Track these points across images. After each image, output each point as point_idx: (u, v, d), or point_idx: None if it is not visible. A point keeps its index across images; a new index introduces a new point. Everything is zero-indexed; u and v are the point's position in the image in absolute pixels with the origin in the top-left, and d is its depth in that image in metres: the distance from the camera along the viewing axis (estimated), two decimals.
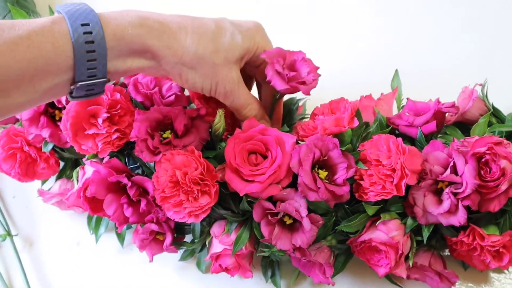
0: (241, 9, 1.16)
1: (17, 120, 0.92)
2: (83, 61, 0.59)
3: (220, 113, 0.74)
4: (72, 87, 0.61)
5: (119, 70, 0.64)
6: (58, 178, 0.91)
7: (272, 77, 0.72)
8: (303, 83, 0.73)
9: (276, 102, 0.80)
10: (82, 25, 0.59)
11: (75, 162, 0.90)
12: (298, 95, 0.86)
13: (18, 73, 0.56)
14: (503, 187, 0.68)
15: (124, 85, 0.84)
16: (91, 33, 0.59)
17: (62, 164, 0.91)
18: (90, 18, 0.60)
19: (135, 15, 0.63)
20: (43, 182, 0.94)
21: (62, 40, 0.58)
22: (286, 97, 0.86)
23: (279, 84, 0.72)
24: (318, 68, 0.75)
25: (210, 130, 0.77)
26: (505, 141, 0.70)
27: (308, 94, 0.73)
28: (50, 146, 0.84)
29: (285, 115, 0.85)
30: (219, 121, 0.75)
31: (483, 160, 0.69)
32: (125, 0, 1.07)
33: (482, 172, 0.69)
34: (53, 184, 0.91)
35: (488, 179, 0.68)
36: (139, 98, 0.80)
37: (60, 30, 0.58)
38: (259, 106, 0.77)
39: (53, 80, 0.59)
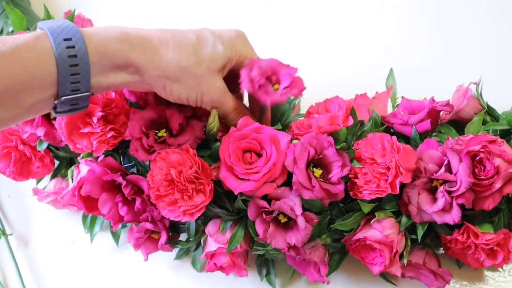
0: (244, 14, 1.17)
1: None
2: (67, 75, 0.59)
3: (214, 113, 0.74)
4: (56, 102, 0.61)
5: (102, 85, 0.64)
6: (53, 177, 0.91)
7: (243, 79, 0.73)
8: (268, 93, 0.73)
9: (264, 108, 0.80)
10: (65, 39, 0.59)
11: (70, 161, 0.90)
12: None
13: (2, 90, 0.56)
14: (497, 185, 0.68)
15: None
16: (73, 47, 0.60)
17: (57, 163, 0.91)
18: (73, 33, 0.60)
19: (117, 31, 0.64)
20: (38, 181, 0.94)
21: (46, 56, 0.58)
22: None
23: (245, 87, 0.73)
24: (302, 88, 0.74)
25: (204, 129, 0.77)
26: (499, 140, 0.70)
27: (268, 104, 0.72)
28: (45, 145, 0.84)
29: (279, 114, 0.85)
30: (213, 121, 0.75)
31: (477, 158, 0.70)
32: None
33: (476, 171, 0.69)
34: (48, 183, 0.91)
35: (482, 177, 0.69)
36: (133, 99, 0.80)
37: (43, 45, 0.59)
38: (245, 110, 0.78)
39: (37, 96, 0.59)
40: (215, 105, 0.73)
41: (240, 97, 0.80)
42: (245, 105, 0.79)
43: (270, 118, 0.83)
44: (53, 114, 0.64)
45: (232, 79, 0.76)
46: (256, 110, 0.80)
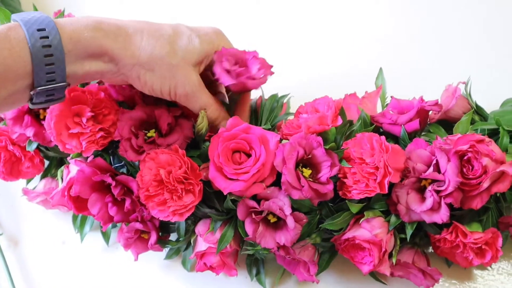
0: (234, 12, 1.17)
1: (1, 119, 0.91)
2: (42, 65, 0.59)
3: (202, 114, 0.74)
4: (32, 92, 0.61)
5: (77, 74, 0.64)
6: (43, 177, 0.91)
7: (220, 74, 0.73)
8: (252, 78, 0.74)
9: (236, 102, 0.80)
10: (38, 30, 0.59)
11: (60, 161, 0.90)
12: (280, 91, 0.87)
13: None
14: (485, 184, 0.68)
15: None
16: (47, 37, 0.59)
17: (47, 163, 0.91)
18: (46, 23, 0.60)
19: (91, 20, 0.64)
20: (28, 181, 0.94)
21: (19, 46, 0.58)
22: (268, 94, 0.87)
23: (226, 80, 0.74)
24: (271, 66, 0.76)
25: (193, 129, 0.77)
26: (487, 139, 0.70)
27: (257, 88, 0.74)
28: (34, 145, 0.84)
29: (268, 113, 0.85)
30: (201, 121, 0.75)
31: (465, 158, 0.70)
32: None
33: (464, 170, 0.70)
34: (38, 183, 0.90)
35: (471, 176, 0.69)
36: (121, 98, 0.80)
37: (16, 36, 0.58)
38: (220, 107, 0.78)
39: (12, 87, 0.59)
40: (189, 99, 0.73)
41: (220, 101, 0.80)
42: (220, 103, 0.79)
43: (247, 112, 0.83)
44: (30, 106, 0.64)
45: (211, 80, 0.77)
46: (240, 111, 0.81)
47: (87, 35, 0.63)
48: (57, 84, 0.62)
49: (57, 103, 0.66)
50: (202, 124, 0.75)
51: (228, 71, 0.74)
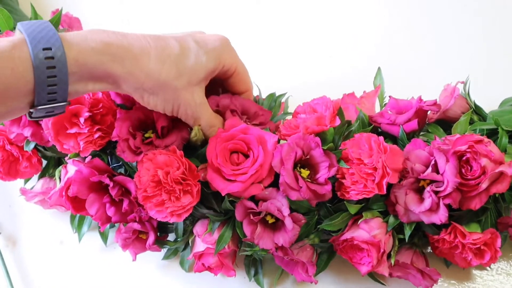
0: (234, 15, 1.16)
1: None
2: (44, 86, 0.58)
3: (196, 129, 0.74)
4: (32, 110, 0.60)
5: (79, 92, 0.63)
6: (40, 176, 0.91)
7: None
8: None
9: None
10: (44, 49, 0.58)
11: (58, 160, 0.90)
12: (278, 91, 0.88)
13: None
14: (484, 185, 0.68)
15: None
16: (53, 58, 0.58)
17: (45, 162, 0.91)
18: (53, 42, 0.59)
19: (99, 40, 0.62)
20: (26, 181, 0.94)
21: (23, 66, 0.57)
22: (265, 93, 0.87)
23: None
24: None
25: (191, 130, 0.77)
26: (486, 139, 0.70)
27: None
28: (32, 145, 0.84)
29: None
30: (195, 135, 0.75)
31: (464, 158, 0.70)
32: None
33: (463, 170, 0.70)
34: (35, 183, 0.90)
35: (469, 177, 0.69)
36: (118, 100, 0.80)
37: (20, 55, 0.57)
38: (222, 124, 0.77)
39: (11, 104, 0.58)
40: (190, 119, 0.73)
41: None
42: (222, 120, 0.78)
43: None
44: (28, 118, 0.63)
45: (215, 86, 0.77)
46: None
47: (94, 59, 0.61)
48: (58, 104, 0.61)
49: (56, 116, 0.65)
50: (196, 137, 0.75)
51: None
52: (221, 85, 0.80)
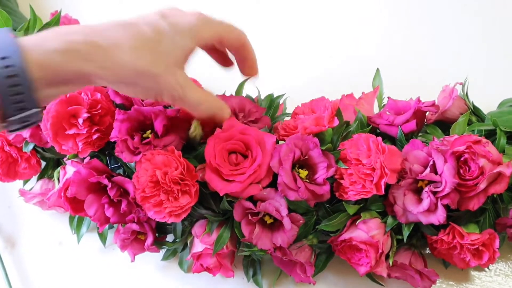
0: (237, 11, 1.17)
1: None
2: (6, 96, 0.55)
3: (195, 124, 0.75)
4: (3, 124, 0.57)
5: (52, 96, 0.61)
6: (39, 178, 0.91)
7: None
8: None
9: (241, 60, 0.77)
10: (2, 58, 0.55)
11: (56, 162, 0.91)
12: (277, 92, 0.88)
13: None
14: (482, 185, 0.69)
15: None
16: (13, 66, 0.55)
17: (43, 164, 0.91)
18: (11, 50, 0.55)
19: (62, 39, 0.59)
20: (25, 182, 0.94)
21: None
22: (264, 94, 0.88)
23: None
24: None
25: (189, 131, 0.77)
26: (484, 140, 0.71)
27: None
28: (30, 146, 0.84)
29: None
30: (194, 130, 0.75)
31: (462, 159, 0.70)
32: None
33: (461, 171, 0.70)
34: (34, 184, 0.91)
35: (467, 177, 0.69)
36: (118, 100, 0.80)
37: None
38: (213, 99, 0.74)
39: None
40: (178, 102, 0.70)
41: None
42: (212, 94, 0.76)
43: (253, 57, 0.78)
44: (8, 133, 0.60)
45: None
46: (246, 66, 0.77)
47: (58, 60, 0.58)
48: (29, 112, 0.58)
49: (35, 125, 0.62)
50: (195, 132, 0.75)
51: None
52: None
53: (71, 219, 0.91)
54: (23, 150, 0.84)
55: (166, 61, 0.66)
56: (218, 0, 1.18)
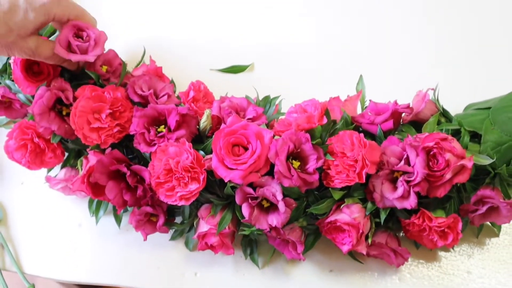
0: (237, 11, 1.15)
1: (26, 114, 0.96)
2: None
3: (207, 113, 0.79)
4: None
5: None
6: (62, 166, 0.93)
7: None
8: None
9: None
10: None
11: (78, 152, 0.92)
12: (272, 94, 0.90)
13: None
14: (448, 176, 0.72)
15: (125, 84, 0.88)
16: None
17: (66, 154, 0.93)
18: None
19: None
20: (49, 170, 0.96)
21: None
22: (262, 95, 0.90)
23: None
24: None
25: (198, 126, 0.81)
26: (450, 137, 0.73)
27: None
28: (58, 138, 0.86)
29: None
30: (205, 120, 0.79)
31: (431, 153, 0.73)
32: None
33: (430, 163, 0.73)
34: (58, 172, 0.93)
35: (435, 169, 0.72)
36: (135, 99, 0.83)
37: None
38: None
39: None
40: (32, 57, 0.79)
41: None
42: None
43: None
44: None
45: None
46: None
47: None
48: None
49: None
50: (206, 122, 0.79)
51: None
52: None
53: (90, 203, 0.92)
54: (52, 141, 0.86)
55: (18, 31, 0.74)
56: (214, 2, 1.16)
